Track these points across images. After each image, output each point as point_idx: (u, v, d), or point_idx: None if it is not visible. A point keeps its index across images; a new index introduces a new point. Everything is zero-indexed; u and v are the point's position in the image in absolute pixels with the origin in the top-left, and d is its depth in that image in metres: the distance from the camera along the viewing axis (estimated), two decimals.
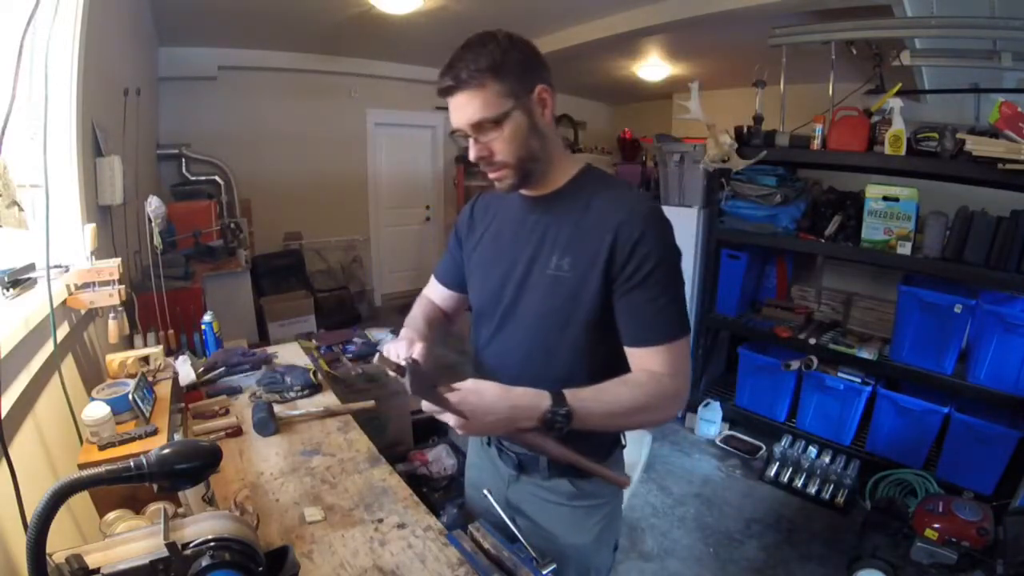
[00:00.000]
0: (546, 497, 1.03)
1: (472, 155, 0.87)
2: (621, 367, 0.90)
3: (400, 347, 0.95)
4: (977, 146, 2.05)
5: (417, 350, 0.93)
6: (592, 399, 0.83)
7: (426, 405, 0.81)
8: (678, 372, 0.88)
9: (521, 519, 1.06)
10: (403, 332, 1.02)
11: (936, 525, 1.93)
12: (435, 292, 1.18)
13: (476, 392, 0.81)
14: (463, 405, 0.80)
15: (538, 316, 0.93)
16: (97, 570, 0.57)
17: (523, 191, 0.96)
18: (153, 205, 1.78)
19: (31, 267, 1.14)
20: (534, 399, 0.81)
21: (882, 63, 2.91)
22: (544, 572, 0.91)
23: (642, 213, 0.87)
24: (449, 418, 0.80)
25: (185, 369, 1.57)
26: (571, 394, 0.82)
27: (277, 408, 1.43)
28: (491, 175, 0.90)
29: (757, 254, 3.15)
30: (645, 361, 0.88)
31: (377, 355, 0.91)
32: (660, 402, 0.87)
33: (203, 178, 4.19)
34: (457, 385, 0.82)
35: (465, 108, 0.84)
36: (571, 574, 1.03)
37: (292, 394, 1.54)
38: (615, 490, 1.09)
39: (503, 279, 0.97)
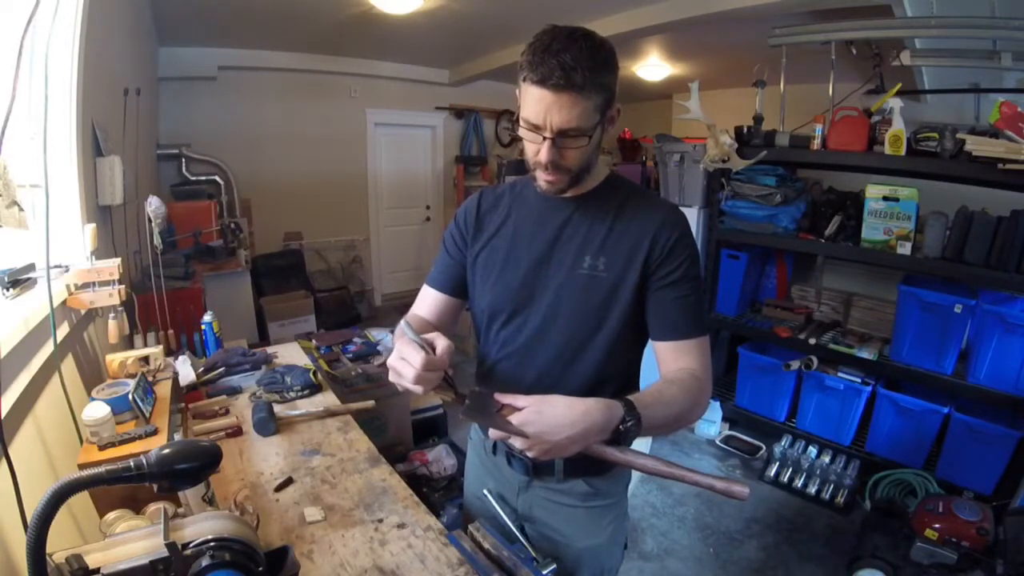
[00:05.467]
0: (560, 500, 1.02)
1: (545, 157, 0.83)
2: (638, 376, 0.93)
3: (412, 351, 0.79)
4: (977, 146, 2.05)
5: (441, 346, 0.82)
6: (654, 403, 0.82)
7: (493, 432, 0.78)
8: (707, 368, 0.91)
9: (532, 527, 1.05)
10: (402, 332, 0.85)
11: (936, 525, 1.93)
12: (429, 303, 1.06)
13: (539, 411, 0.75)
14: (526, 427, 0.75)
15: (571, 315, 0.93)
16: (97, 570, 0.57)
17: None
18: (153, 205, 1.78)
19: (31, 267, 1.14)
20: (607, 411, 0.77)
21: (882, 63, 2.91)
22: (544, 572, 0.91)
23: (676, 219, 0.92)
24: (516, 441, 0.76)
25: (185, 369, 1.57)
26: (637, 399, 0.80)
27: (277, 408, 1.43)
28: (545, 177, 0.88)
29: (757, 254, 3.15)
30: (679, 355, 0.90)
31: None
32: (701, 401, 0.89)
33: (203, 178, 4.19)
34: (521, 402, 0.78)
35: (561, 111, 0.79)
36: (584, 574, 1.03)
37: (292, 394, 1.54)
38: (625, 488, 1.09)
39: (525, 278, 0.95)
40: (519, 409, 0.77)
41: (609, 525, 1.04)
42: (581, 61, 0.78)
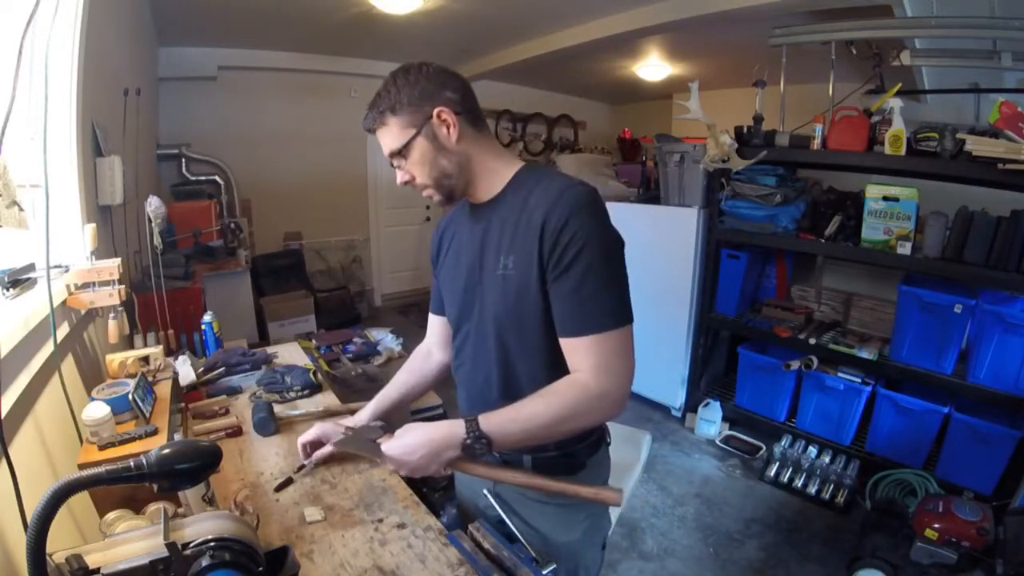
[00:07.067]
0: (533, 496, 1.03)
1: (397, 180, 0.96)
2: None
3: (308, 436, 1.15)
4: (977, 146, 2.05)
5: (311, 435, 1.15)
6: (507, 420, 0.87)
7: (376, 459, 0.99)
8: (605, 368, 0.85)
9: (512, 519, 1.06)
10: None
11: (936, 525, 1.93)
12: (433, 329, 1.21)
13: (399, 437, 0.93)
14: (388, 450, 0.93)
15: (494, 318, 0.95)
16: (97, 570, 0.57)
17: (471, 200, 1.00)
18: (153, 205, 1.79)
19: (31, 267, 1.14)
20: (448, 431, 0.89)
21: (882, 63, 2.91)
22: (544, 572, 0.91)
23: (567, 199, 0.85)
24: (387, 463, 0.94)
25: (185, 369, 1.57)
26: (485, 419, 0.87)
27: (277, 408, 1.43)
28: (423, 195, 0.97)
29: (757, 254, 3.15)
30: (575, 354, 0.88)
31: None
32: (585, 407, 0.87)
33: (203, 178, 4.20)
34: (396, 432, 0.95)
35: (381, 144, 0.94)
36: (560, 573, 1.03)
37: (292, 394, 1.54)
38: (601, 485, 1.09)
39: (465, 288, 1.00)
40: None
41: (583, 523, 1.04)
42: (370, 106, 0.93)
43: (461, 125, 0.91)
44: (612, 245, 0.88)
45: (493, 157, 0.97)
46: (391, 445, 0.92)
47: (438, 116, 0.90)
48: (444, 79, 0.92)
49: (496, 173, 0.96)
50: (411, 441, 0.91)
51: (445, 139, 0.91)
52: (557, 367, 0.92)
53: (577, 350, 0.87)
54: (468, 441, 0.87)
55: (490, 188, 0.97)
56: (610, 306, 0.86)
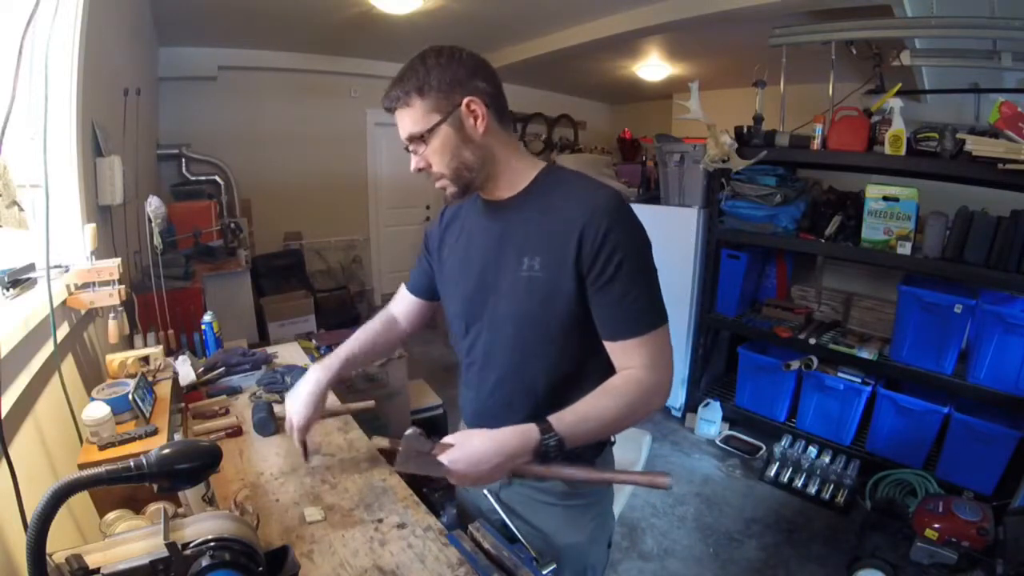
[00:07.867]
0: (539, 498, 1.03)
1: (411, 166, 0.92)
2: (599, 365, 0.91)
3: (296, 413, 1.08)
4: (977, 146, 2.05)
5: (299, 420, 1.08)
6: (579, 420, 0.85)
7: (432, 472, 0.85)
8: (657, 363, 0.89)
9: (514, 521, 1.06)
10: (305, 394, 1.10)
11: (936, 525, 1.92)
12: (402, 303, 1.22)
13: (462, 446, 0.84)
14: (454, 464, 0.83)
15: (514, 318, 0.93)
16: (97, 570, 0.57)
17: (486, 197, 0.98)
18: (153, 205, 1.78)
19: (31, 267, 1.14)
20: (522, 437, 0.83)
21: (882, 63, 2.91)
22: (544, 572, 0.92)
23: (605, 208, 0.86)
24: (450, 477, 0.84)
25: (185, 369, 1.57)
26: (556, 420, 0.84)
27: (277, 408, 1.43)
28: (435, 184, 0.93)
29: (757, 254, 3.15)
30: (625, 355, 0.89)
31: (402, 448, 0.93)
32: (643, 400, 0.88)
33: (203, 178, 4.20)
34: (448, 440, 0.86)
35: (400, 125, 0.90)
36: (567, 574, 1.03)
37: None
38: (606, 487, 1.09)
39: (476, 286, 0.98)
40: (451, 445, 0.85)
41: (589, 523, 1.04)
42: (394, 83, 0.88)
43: (489, 118, 0.89)
44: (647, 249, 0.90)
45: (516, 155, 0.95)
46: (455, 458, 0.83)
47: (467, 106, 0.86)
48: (477, 67, 0.89)
49: (519, 172, 0.94)
50: (479, 451, 0.83)
51: (471, 130, 0.88)
52: (571, 370, 0.93)
53: (627, 351, 0.89)
54: (543, 446, 0.83)
55: (511, 186, 0.95)
56: (653, 307, 0.89)
